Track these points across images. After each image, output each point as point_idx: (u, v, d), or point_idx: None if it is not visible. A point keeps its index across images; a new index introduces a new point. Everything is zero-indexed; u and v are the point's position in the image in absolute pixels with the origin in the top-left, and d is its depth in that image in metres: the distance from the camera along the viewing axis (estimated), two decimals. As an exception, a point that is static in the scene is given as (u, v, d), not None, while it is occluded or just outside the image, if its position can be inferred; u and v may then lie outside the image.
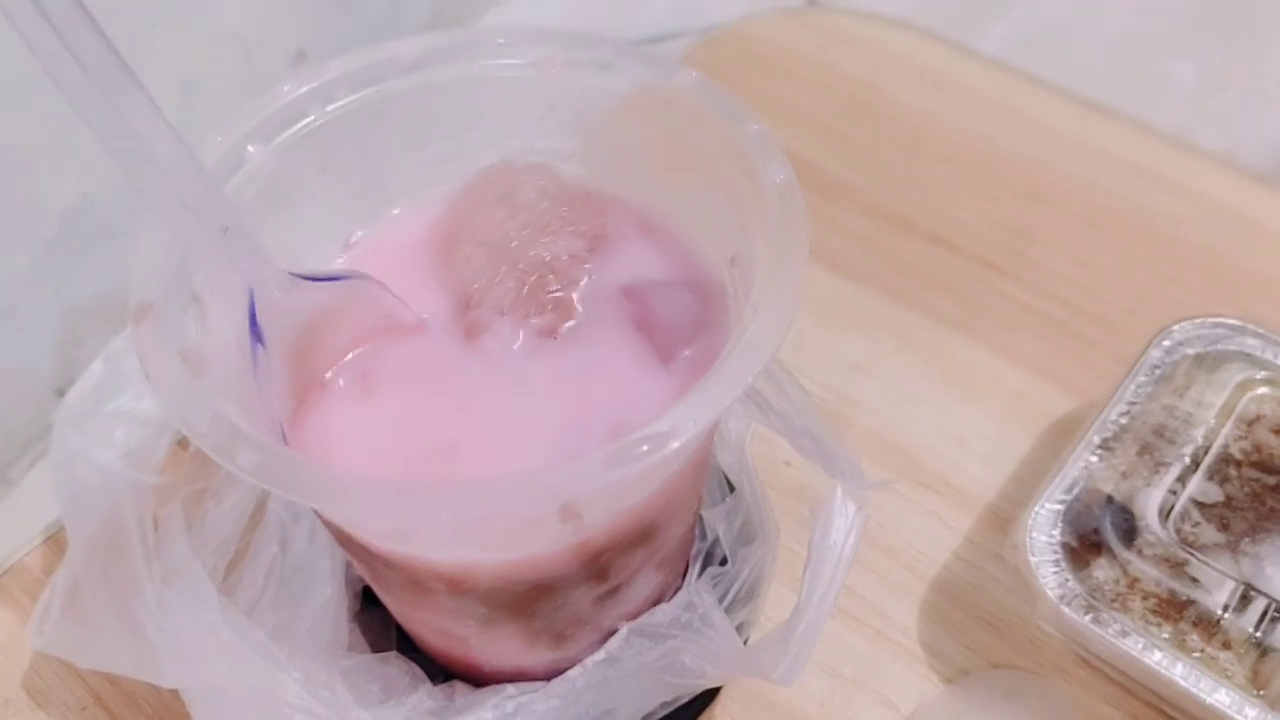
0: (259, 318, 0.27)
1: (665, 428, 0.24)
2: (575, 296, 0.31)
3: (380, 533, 0.28)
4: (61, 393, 0.47)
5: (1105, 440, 0.36)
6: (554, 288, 0.31)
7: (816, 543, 0.31)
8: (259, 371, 0.28)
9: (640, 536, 0.30)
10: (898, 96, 0.55)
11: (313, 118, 0.31)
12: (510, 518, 0.26)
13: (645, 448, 0.24)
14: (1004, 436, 0.43)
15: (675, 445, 0.24)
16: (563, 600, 0.31)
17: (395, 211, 0.34)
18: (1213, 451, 0.36)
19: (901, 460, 0.42)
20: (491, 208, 0.32)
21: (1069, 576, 0.34)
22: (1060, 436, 0.42)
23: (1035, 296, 0.47)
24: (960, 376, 0.45)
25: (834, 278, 0.48)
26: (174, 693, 0.32)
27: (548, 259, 0.31)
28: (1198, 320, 0.39)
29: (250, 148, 0.30)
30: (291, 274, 0.28)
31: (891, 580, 0.39)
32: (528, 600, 0.30)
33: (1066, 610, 0.33)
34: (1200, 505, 0.35)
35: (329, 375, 0.30)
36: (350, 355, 0.31)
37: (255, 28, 0.52)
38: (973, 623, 0.38)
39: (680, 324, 0.31)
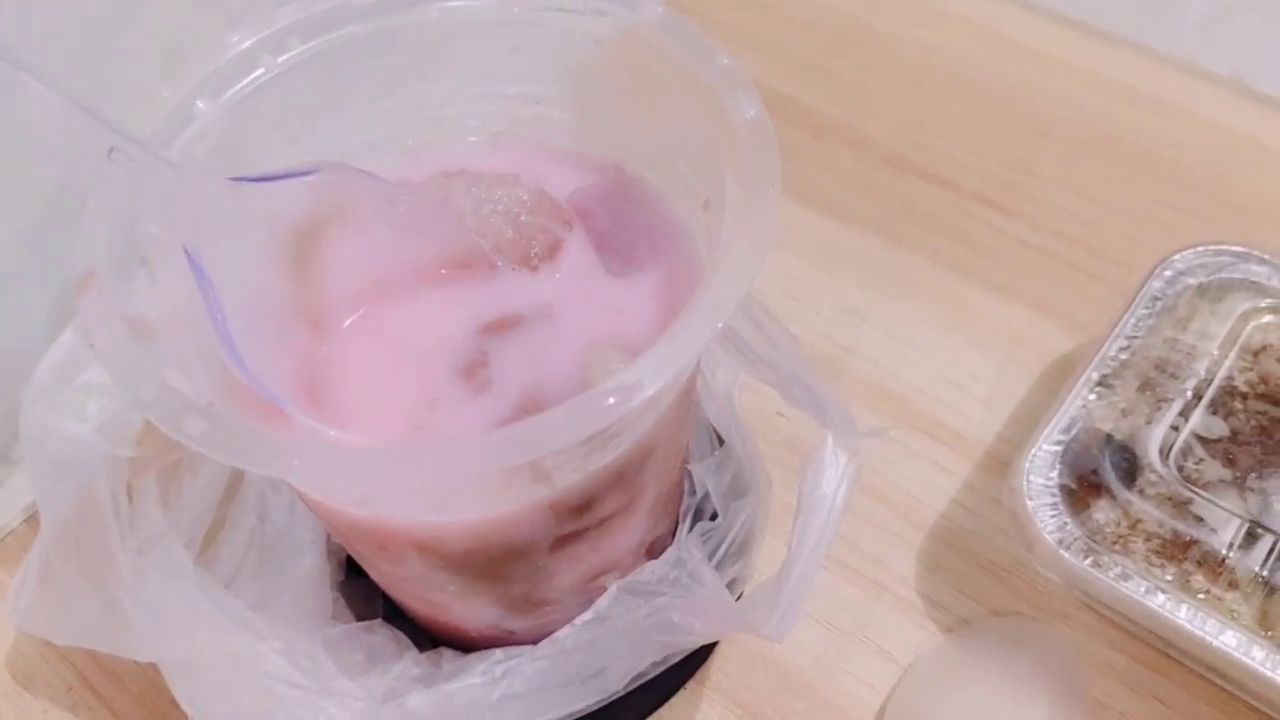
0: (192, 245, 0.25)
1: (631, 379, 0.23)
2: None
3: (343, 497, 0.27)
4: None
5: (1104, 377, 0.35)
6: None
7: (806, 494, 0.30)
8: (214, 307, 0.26)
9: (619, 493, 0.29)
10: (891, 31, 0.54)
11: (263, 70, 0.30)
12: (477, 479, 0.25)
13: (612, 400, 0.23)
14: (1004, 378, 0.41)
15: (643, 396, 0.23)
16: (541, 562, 0.30)
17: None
18: (1216, 384, 0.35)
19: (898, 406, 0.41)
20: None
21: (1068, 520, 0.33)
22: (1062, 375, 0.41)
23: (1035, 232, 0.46)
24: (959, 318, 0.43)
25: (828, 220, 0.47)
26: (158, 669, 0.32)
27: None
28: (1200, 248, 0.38)
29: (199, 103, 0.29)
30: (232, 179, 0.26)
31: (888, 529, 0.38)
32: (503, 562, 0.29)
33: (1065, 555, 0.32)
34: (1204, 441, 0.34)
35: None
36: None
37: None
38: (972, 570, 0.37)
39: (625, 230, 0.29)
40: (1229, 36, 0.53)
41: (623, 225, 0.31)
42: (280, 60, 0.30)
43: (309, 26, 0.30)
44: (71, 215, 0.44)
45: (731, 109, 0.28)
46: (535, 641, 0.32)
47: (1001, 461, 0.39)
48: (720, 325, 0.24)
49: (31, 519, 0.41)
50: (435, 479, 0.23)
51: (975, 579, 0.37)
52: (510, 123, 0.34)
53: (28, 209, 0.44)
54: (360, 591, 0.36)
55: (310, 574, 0.35)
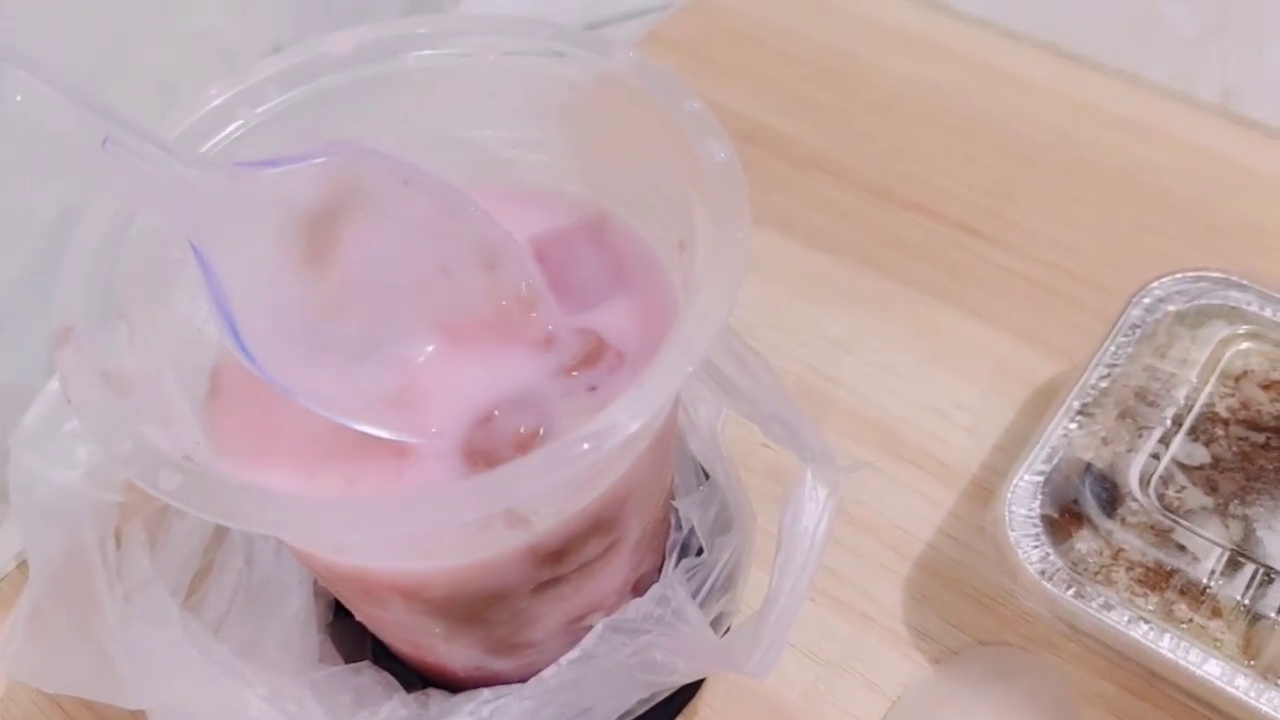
0: (196, 237, 0.24)
1: (604, 424, 0.23)
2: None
3: (321, 546, 0.27)
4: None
5: (1085, 406, 0.35)
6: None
7: (786, 529, 0.30)
8: (220, 300, 0.25)
9: (599, 535, 0.29)
10: (873, 61, 0.54)
11: (241, 122, 0.30)
12: (451, 528, 0.25)
13: (585, 446, 0.23)
14: (988, 406, 0.42)
15: (618, 440, 0.23)
16: (524, 605, 0.30)
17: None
18: (1197, 411, 0.35)
19: (883, 436, 0.41)
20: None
21: (1050, 550, 0.33)
22: (1045, 403, 0.41)
23: (1018, 259, 0.46)
24: (942, 347, 0.44)
25: (812, 252, 0.47)
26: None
27: None
28: (1179, 275, 0.38)
29: (177, 158, 0.29)
30: (237, 165, 0.26)
31: (875, 560, 0.38)
32: (485, 606, 0.29)
33: (1048, 585, 0.32)
34: (1185, 468, 0.34)
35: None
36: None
37: (232, 26, 0.51)
38: (959, 600, 0.37)
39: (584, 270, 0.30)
40: (1216, 61, 0.54)
41: (582, 265, 0.31)
42: (258, 111, 0.31)
43: (287, 78, 0.31)
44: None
45: (702, 153, 0.28)
46: (523, 680, 0.32)
47: (987, 490, 0.39)
48: (691, 368, 0.24)
49: (25, 564, 0.41)
50: (406, 529, 0.23)
51: (962, 609, 0.37)
52: (488, 166, 0.34)
53: (23, 245, 0.44)
54: (349, 633, 0.36)
55: (297, 617, 0.35)
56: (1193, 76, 0.52)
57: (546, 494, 0.25)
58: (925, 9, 0.56)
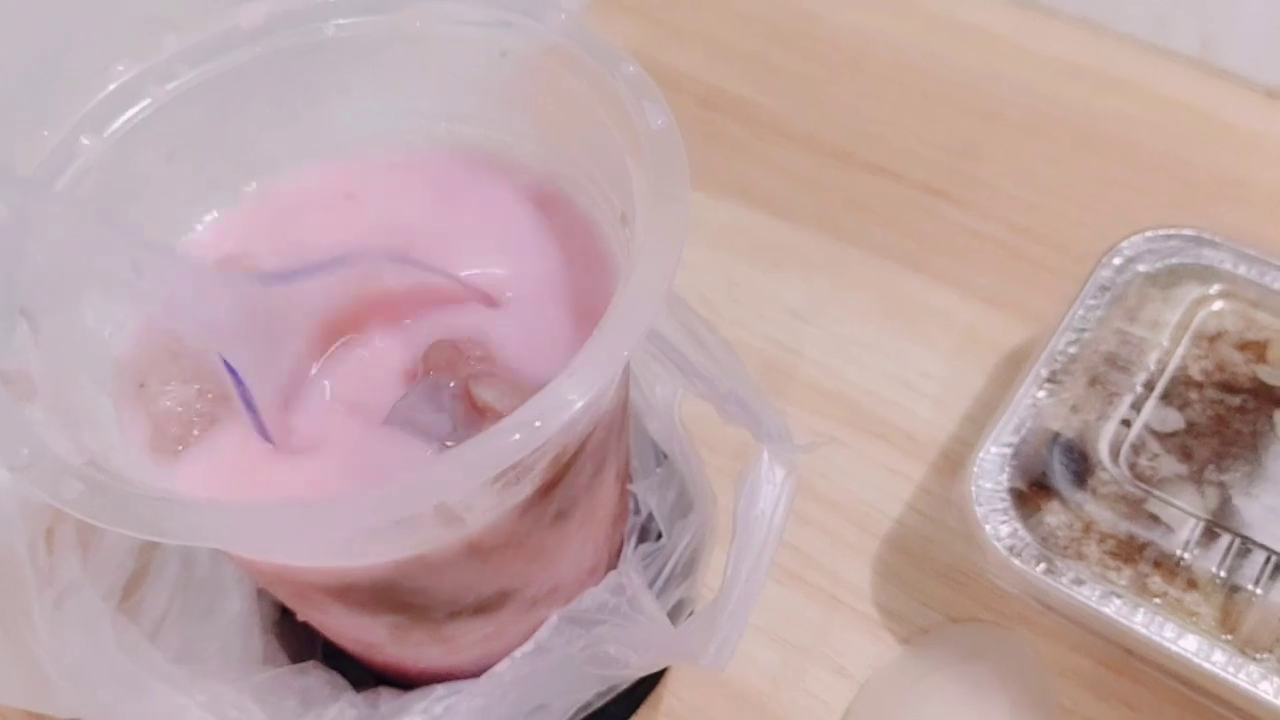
0: (225, 349, 0.25)
1: (537, 410, 0.22)
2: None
3: (240, 550, 0.25)
4: None
5: (1053, 373, 0.34)
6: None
7: (742, 514, 0.29)
8: (247, 402, 0.26)
9: (545, 527, 0.28)
10: (832, 19, 0.52)
11: (150, 100, 0.28)
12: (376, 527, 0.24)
13: (517, 437, 0.22)
14: (955, 375, 0.40)
15: (551, 429, 0.22)
16: (470, 601, 0.28)
17: (251, 187, 0.31)
18: (1169, 375, 0.34)
19: (847, 409, 0.40)
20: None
21: (1019, 525, 0.31)
22: (1015, 370, 0.39)
23: (984, 221, 0.45)
24: (907, 314, 0.42)
25: (770, 219, 0.45)
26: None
27: None
28: (1149, 234, 0.37)
29: (83, 139, 0.28)
30: (262, 278, 0.26)
31: (841, 539, 0.37)
32: (427, 604, 0.28)
33: (1016, 562, 0.31)
34: (1158, 435, 0.33)
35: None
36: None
37: (180, 8, 0.49)
38: (929, 577, 0.36)
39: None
40: (1193, 10, 0.52)
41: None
42: (169, 88, 0.29)
43: (197, 53, 0.29)
44: None
45: (638, 119, 0.26)
46: (478, 674, 0.31)
47: (955, 463, 0.38)
48: (627, 350, 0.23)
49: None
50: (326, 536, 0.22)
51: (932, 586, 0.36)
52: (423, 139, 0.32)
53: None
54: (297, 632, 0.35)
55: (238, 618, 0.34)
56: (1168, 26, 0.50)
57: (478, 489, 0.24)
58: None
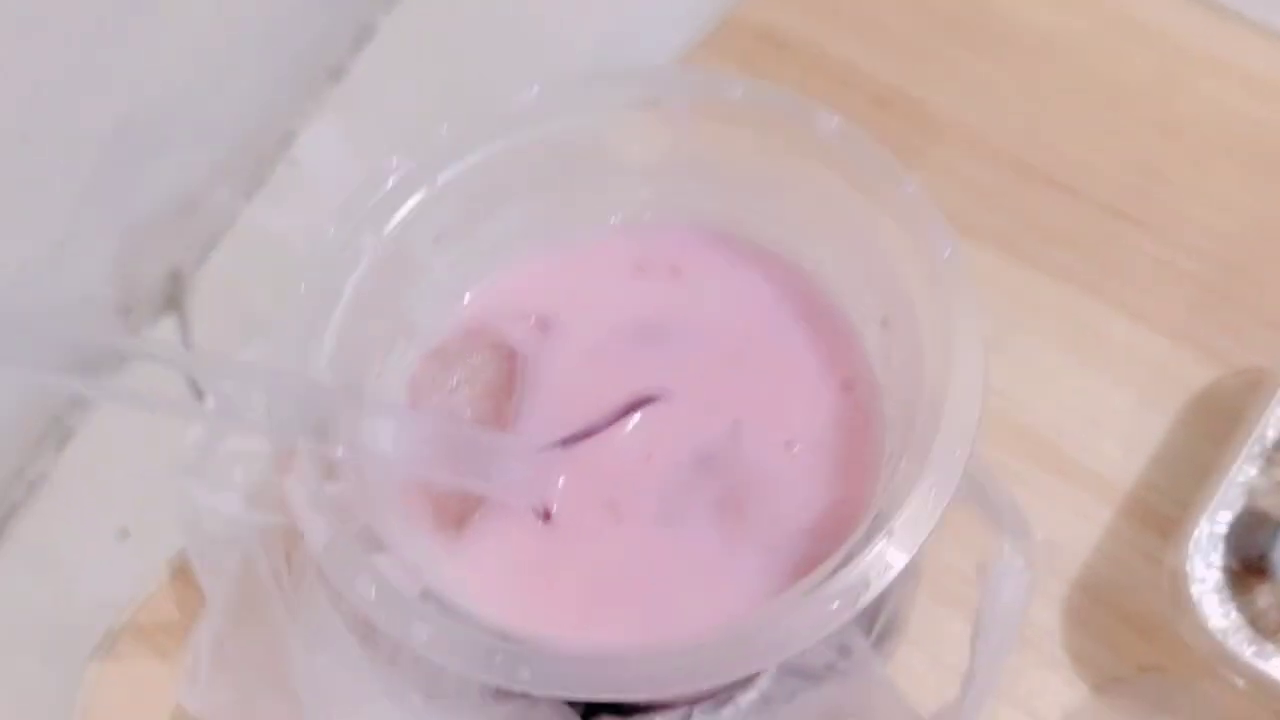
0: None
1: (853, 577, 0.23)
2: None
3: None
4: (126, 312, 0.46)
5: (1264, 449, 0.34)
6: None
7: (986, 607, 0.30)
8: None
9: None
10: (1010, 13, 0.51)
11: (424, 192, 0.29)
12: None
13: (836, 605, 0.23)
14: (1142, 414, 0.41)
15: (870, 596, 0.23)
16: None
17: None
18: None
19: (1032, 446, 0.40)
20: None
21: (1231, 607, 0.32)
22: (1203, 411, 0.40)
23: (1169, 247, 0.44)
24: (1089, 346, 0.42)
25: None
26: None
27: None
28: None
29: (366, 237, 0.28)
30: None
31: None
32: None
33: (1227, 644, 0.32)
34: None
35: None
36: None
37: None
38: (1119, 623, 0.37)
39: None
40: None
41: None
42: (440, 180, 0.29)
43: (465, 142, 0.29)
44: (125, 161, 0.44)
45: (922, 243, 0.27)
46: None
47: (1145, 507, 0.39)
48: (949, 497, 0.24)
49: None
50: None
51: (1122, 633, 0.37)
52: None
53: (82, 159, 0.44)
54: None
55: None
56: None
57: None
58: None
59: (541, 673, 0.23)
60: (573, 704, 0.35)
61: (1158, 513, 0.38)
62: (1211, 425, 0.39)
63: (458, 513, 0.29)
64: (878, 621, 0.35)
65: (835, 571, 0.24)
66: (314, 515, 0.24)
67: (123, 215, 0.46)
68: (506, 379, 0.32)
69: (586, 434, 0.30)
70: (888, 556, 0.23)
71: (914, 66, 0.49)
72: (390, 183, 0.29)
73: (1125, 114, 0.48)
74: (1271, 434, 0.35)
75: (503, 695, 0.36)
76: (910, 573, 0.35)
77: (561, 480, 0.30)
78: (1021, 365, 0.42)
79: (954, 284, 0.26)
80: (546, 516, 0.29)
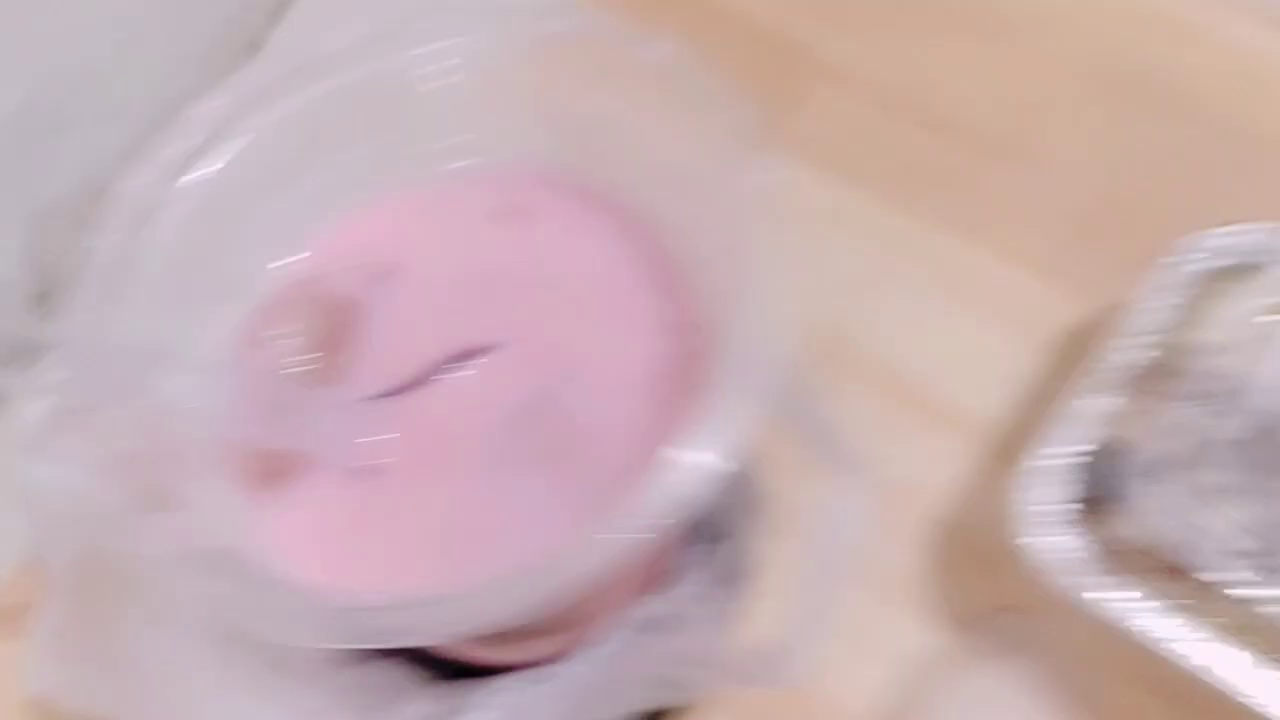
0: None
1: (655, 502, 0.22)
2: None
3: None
4: (42, 300, 0.45)
5: (1116, 377, 0.34)
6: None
7: (819, 542, 0.29)
8: None
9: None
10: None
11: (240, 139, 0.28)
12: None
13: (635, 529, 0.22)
14: (1012, 354, 0.40)
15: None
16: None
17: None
18: (1239, 381, 0.34)
19: (897, 388, 0.40)
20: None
21: (1076, 538, 0.32)
22: (1071, 348, 0.40)
23: (1042, 186, 0.44)
24: (962, 287, 0.42)
25: (826, 181, 0.44)
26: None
27: None
28: (1233, 228, 0.35)
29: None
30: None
31: (889, 523, 0.37)
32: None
33: (1070, 578, 0.32)
34: (1225, 444, 0.33)
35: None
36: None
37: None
38: (980, 563, 0.37)
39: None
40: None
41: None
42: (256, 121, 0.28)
43: (279, 86, 0.29)
44: (30, 142, 0.42)
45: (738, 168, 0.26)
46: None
47: (1012, 446, 0.38)
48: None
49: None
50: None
51: (982, 574, 0.37)
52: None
53: None
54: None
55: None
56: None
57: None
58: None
59: (322, 625, 0.22)
60: (428, 667, 0.34)
61: (1021, 450, 0.38)
62: (1079, 362, 0.39)
63: (274, 470, 0.29)
64: (717, 563, 0.34)
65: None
66: (97, 477, 0.24)
67: (28, 199, 0.44)
68: (337, 331, 0.31)
69: (408, 387, 0.29)
70: (686, 479, 0.23)
71: (795, 10, 0.48)
72: (198, 132, 0.28)
73: (1003, 50, 0.47)
74: (1118, 361, 0.34)
75: (347, 662, 0.35)
76: (749, 512, 0.35)
77: (386, 435, 0.29)
78: (893, 309, 0.42)
79: (766, 212, 0.26)
80: (367, 471, 0.29)
